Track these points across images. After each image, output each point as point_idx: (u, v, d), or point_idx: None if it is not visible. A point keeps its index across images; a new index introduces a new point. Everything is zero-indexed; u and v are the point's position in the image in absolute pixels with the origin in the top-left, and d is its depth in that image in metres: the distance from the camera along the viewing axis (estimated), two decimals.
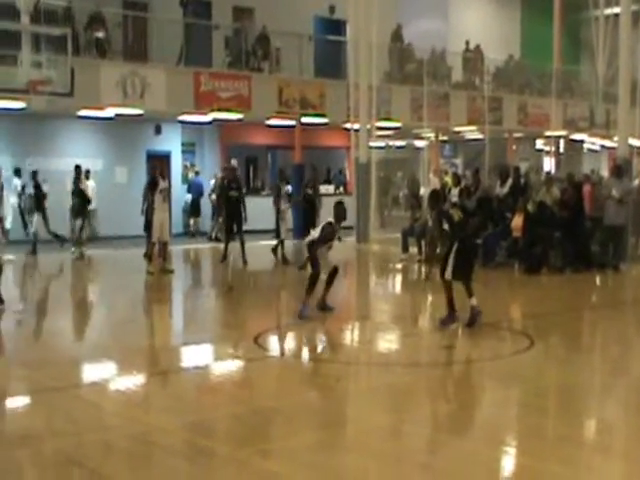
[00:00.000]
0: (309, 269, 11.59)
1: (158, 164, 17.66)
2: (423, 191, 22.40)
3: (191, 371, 9.28)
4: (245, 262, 17.62)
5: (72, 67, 18.01)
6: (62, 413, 7.35)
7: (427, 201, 14.74)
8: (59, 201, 20.51)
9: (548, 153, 33.24)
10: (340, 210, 11.73)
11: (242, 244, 17.74)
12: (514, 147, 31.36)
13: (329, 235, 11.56)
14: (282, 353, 10.18)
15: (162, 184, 16.00)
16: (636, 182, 19.15)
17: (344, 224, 12.18)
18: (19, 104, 19.06)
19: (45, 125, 22.67)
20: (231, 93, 22.66)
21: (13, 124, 22.14)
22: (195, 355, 10.14)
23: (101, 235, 22.84)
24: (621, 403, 8.04)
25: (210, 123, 24.47)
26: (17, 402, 7.97)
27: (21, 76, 17.27)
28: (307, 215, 19.79)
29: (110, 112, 21.54)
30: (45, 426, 6.98)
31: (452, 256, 10.73)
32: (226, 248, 18.00)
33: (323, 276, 11.53)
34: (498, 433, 6.93)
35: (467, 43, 28.57)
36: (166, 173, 16.76)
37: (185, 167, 26.06)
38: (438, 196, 12.08)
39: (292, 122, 24.42)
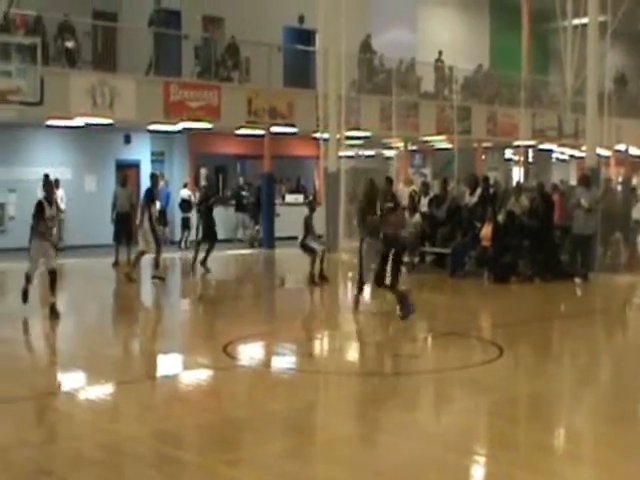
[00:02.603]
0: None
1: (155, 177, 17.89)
2: None
3: (160, 380, 9.24)
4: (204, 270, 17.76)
5: (42, 76, 17.91)
6: (32, 422, 7.30)
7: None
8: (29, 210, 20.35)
9: (517, 163, 33.48)
10: None
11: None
12: (483, 157, 31.55)
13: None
14: (251, 362, 10.15)
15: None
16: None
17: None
18: None
19: (14, 134, 22.47)
20: (200, 103, 22.62)
21: None
22: (164, 364, 10.09)
23: (70, 244, 22.66)
24: (590, 411, 8.10)
25: (179, 132, 24.42)
26: None
27: None
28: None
29: (79, 121, 21.41)
30: (15, 435, 6.91)
31: (389, 265, 11.91)
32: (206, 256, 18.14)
33: None
34: (468, 441, 6.95)
35: (440, 53, 28.64)
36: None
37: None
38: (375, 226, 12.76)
39: (261, 132, 24.43)
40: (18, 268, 19.18)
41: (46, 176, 12.51)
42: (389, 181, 17.08)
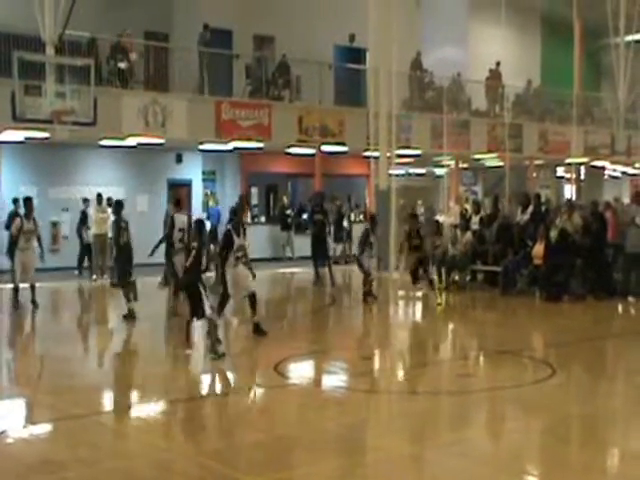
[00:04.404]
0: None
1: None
2: (442, 219, 22.36)
3: (212, 399, 9.29)
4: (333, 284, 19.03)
5: (95, 97, 18.20)
6: (85, 440, 7.39)
7: None
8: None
9: (569, 180, 33.14)
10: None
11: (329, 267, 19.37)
12: (534, 174, 31.29)
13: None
14: (302, 381, 10.15)
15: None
16: None
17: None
18: (43, 134, 19.27)
19: (68, 154, 22.84)
20: (252, 122, 22.79)
21: (37, 153, 22.33)
22: (216, 383, 10.14)
23: None
24: None
25: (231, 151, 24.61)
26: (40, 429, 7.99)
27: (45, 106, 17.47)
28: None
29: (132, 141, 21.70)
30: (68, 453, 7.02)
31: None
32: (317, 272, 19.42)
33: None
34: (519, 461, 6.87)
35: (498, 64, 28.46)
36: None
37: (206, 195, 26.21)
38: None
39: (312, 150, 24.53)
40: (70, 286, 19.51)
41: (236, 202, 12.93)
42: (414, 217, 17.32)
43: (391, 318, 16.14)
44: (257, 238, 25.35)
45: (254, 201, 27.99)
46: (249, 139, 22.84)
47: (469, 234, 18.45)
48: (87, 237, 21.12)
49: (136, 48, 21.77)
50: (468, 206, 21.24)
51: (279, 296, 19.21)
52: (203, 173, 26.17)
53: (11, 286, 15.32)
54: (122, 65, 21.18)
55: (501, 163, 27.55)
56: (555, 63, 33.58)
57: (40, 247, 15.36)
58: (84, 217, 21.35)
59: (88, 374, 10.66)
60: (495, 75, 28.65)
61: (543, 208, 19.39)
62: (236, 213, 15.45)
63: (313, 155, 24.73)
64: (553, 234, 16.86)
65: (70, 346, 12.62)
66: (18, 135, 19.82)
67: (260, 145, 23.34)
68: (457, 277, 18.29)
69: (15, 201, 17.95)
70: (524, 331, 13.78)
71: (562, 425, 8.07)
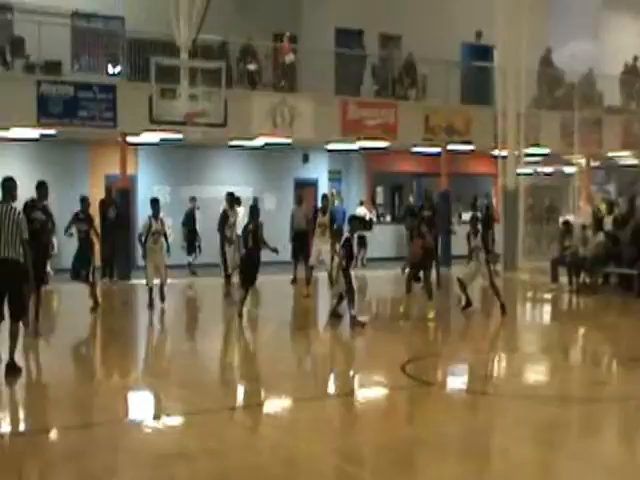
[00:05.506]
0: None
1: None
2: (572, 219, 21.78)
3: (339, 398, 9.35)
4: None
5: (226, 99, 18.62)
6: (215, 434, 7.58)
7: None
8: (212, 227, 21.23)
9: None
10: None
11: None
12: None
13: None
14: (429, 382, 10.09)
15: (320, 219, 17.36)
16: None
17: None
18: (177, 135, 19.87)
19: (198, 154, 23.49)
20: (377, 121, 22.83)
21: (169, 154, 23.07)
22: (343, 382, 10.20)
23: None
24: None
25: (356, 151, 24.69)
26: (174, 421, 8.26)
27: (179, 108, 18.01)
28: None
29: (260, 141, 22.09)
30: (200, 446, 7.21)
31: None
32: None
33: None
34: None
35: (627, 66, 27.45)
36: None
37: (331, 195, 26.36)
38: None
39: (438, 149, 24.34)
40: (208, 283, 19.97)
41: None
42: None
43: (518, 320, 15.84)
44: (382, 237, 25.42)
45: (379, 200, 28.00)
46: (375, 138, 22.87)
47: (601, 235, 17.90)
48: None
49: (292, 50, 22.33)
50: (604, 206, 20.58)
51: (401, 296, 19.11)
52: (329, 172, 26.36)
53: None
54: (251, 67, 21.61)
55: (637, 161, 26.62)
56: None
57: (167, 244, 15.75)
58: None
59: (218, 369, 10.94)
60: (631, 70, 27.65)
61: None
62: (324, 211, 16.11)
63: (439, 154, 24.54)
64: None
65: (201, 342, 12.96)
66: (154, 137, 20.52)
67: (386, 144, 23.33)
68: (587, 280, 17.78)
69: (154, 202, 17.19)
70: None
71: None
